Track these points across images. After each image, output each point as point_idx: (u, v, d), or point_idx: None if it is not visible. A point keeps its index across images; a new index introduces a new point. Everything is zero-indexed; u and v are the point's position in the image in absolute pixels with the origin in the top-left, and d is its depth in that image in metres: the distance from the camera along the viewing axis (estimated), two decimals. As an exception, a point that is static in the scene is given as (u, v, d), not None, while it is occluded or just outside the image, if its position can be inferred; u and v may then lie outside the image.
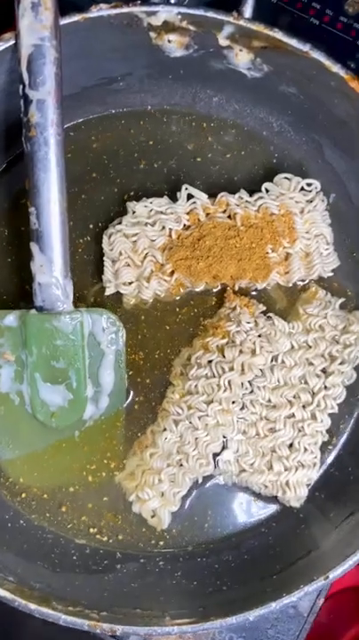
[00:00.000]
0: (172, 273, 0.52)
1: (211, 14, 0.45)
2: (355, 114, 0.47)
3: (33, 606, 0.42)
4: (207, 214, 0.52)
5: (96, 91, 0.52)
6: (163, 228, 0.52)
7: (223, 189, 0.53)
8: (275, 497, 0.53)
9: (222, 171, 0.55)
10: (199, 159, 0.55)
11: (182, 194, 0.52)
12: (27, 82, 0.43)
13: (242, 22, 0.44)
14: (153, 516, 0.52)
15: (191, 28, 0.46)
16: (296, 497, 0.52)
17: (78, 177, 0.53)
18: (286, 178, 0.53)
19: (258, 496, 0.53)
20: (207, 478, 0.53)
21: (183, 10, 0.45)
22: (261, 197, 0.52)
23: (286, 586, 0.44)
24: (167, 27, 0.46)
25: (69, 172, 0.47)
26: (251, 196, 0.53)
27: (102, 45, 0.47)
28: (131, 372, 0.53)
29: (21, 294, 0.53)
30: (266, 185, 0.53)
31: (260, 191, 0.53)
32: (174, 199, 0.53)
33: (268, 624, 0.54)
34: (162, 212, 0.52)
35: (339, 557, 0.44)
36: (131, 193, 0.54)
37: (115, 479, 0.52)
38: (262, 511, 0.53)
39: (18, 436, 0.51)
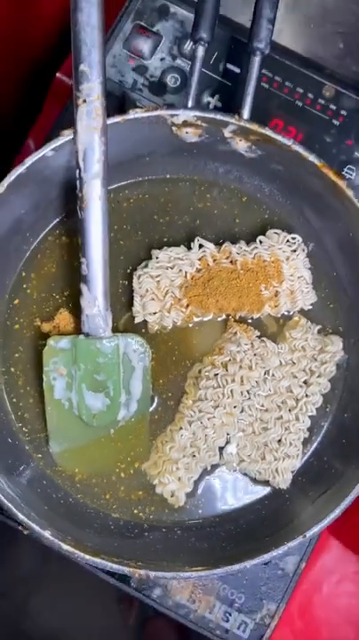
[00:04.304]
0: (188, 306, 0.58)
1: (218, 117, 0.52)
2: (325, 189, 0.54)
3: (88, 557, 0.49)
4: (214, 260, 0.58)
5: (126, 164, 0.59)
6: (181, 270, 0.58)
7: (225, 239, 0.59)
8: (267, 481, 0.58)
9: (225, 224, 0.61)
10: (206, 215, 0.61)
11: (195, 244, 0.59)
12: (82, 167, 0.50)
13: (241, 123, 0.52)
14: (172, 496, 0.57)
15: (203, 124, 0.53)
16: (283, 481, 0.57)
17: (111, 230, 0.55)
18: (275, 232, 0.59)
19: (254, 481, 0.59)
20: (214, 466, 0.58)
21: (198, 113, 0.52)
22: (256, 247, 0.58)
23: (275, 544, 0.51)
24: (185, 123, 0.53)
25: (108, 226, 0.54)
26: (248, 245, 0.58)
27: (135, 135, 0.54)
28: (154, 383, 0.58)
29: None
30: (259, 237, 0.59)
31: (256, 242, 0.58)
32: (189, 247, 0.59)
33: (262, 582, 0.60)
34: (179, 258, 0.58)
35: (313, 523, 0.51)
36: (154, 242, 0.60)
37: (141, 468, 0.58)
38: (257, 492, 0.59)
39: (67, 433, 0.57)
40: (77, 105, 0.51)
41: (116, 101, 0.67)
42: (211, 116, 0.53)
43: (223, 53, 0.66)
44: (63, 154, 0.53)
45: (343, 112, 0.64)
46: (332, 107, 0.64)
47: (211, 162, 0.60)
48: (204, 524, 0.58)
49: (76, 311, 0.56)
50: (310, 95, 0.65)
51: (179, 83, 0.67)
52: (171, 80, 0.66)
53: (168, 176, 0.62)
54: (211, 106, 0.64)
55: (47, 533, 0.50)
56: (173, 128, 0.54)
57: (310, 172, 0.54)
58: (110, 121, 0.51)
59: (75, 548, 0.49)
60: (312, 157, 0.52)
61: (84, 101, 0.51)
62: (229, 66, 0.65)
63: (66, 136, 0.52)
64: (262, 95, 0.64)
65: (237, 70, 0.65)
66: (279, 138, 0.52)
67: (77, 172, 0.51)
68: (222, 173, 0.61)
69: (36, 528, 0.50)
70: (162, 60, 0.65)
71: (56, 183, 0.57)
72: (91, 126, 0.50)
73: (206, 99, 0.67)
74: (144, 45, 0.67)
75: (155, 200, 0.61)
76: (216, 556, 0.53)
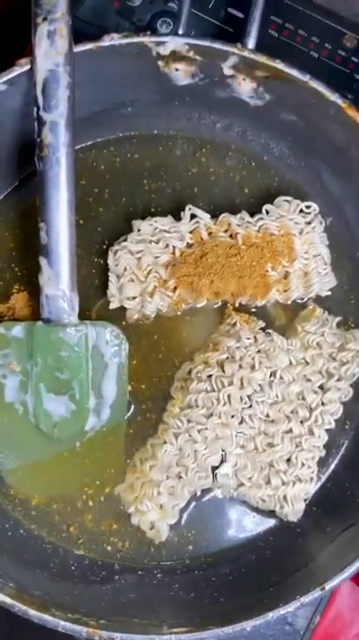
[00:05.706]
0: (175, 289, 0.53)
1: (216, 45, 0.46)
2: (351, 141, 0.48)
3: (32, 612, 0.42)
4: (209, 233, 0.53)
5: (105, 115, 0.54)
6: (167, 245, 0.53)
7: (225, 210, 0.54)
8: (273, 511, 0.53)
9: (224, 192, 0.56)
10: (202, 181, 0.56)
11: (186, 213, 0.53)
12: (41, 105, 0.44)
13: (246, 53, 0.46)
14: (151, 529, 0.52)
15: (197, 57, 0.47)
16: (293, 511, 0.52)
17: (86, 196, 0.55)
18: (286, 200, 0.54)
19: (255, 510, 0.54)
20: (205, 491, 0.53)
21: (190, 40, 0.46)
22: (262, 218, 0.53)
23: (283, 597, 0.44)
24: (175, 56, 0.48)
25: (78, 191, 0.49)
26: (251, 216, 0.54)
27: (112, 72, 0.49)
28: (132, 385, 0.53)
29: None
30: (266, 207, 0.54)
31: (261, 212, 0.54)
32: (178, 219, 0.54)
33: (265, 640, 0.54)
34: (166, 231, 0.53)
35: (335, 569, 0.45)
36: (137, 212, 0.55)
37: (114, 492, 0.53)
38: (260, 525, 0.54)
39: (20, 446, 0.52)
40: (36, 24, 0.45)
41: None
42: (208, 43, 0.47)
43: (224, -5, 0.61)
44: (19, 90, 0.47)
45: (367, 65, 0.59)
46: (354, 59, 0.59)
47: (208, 114, 0.55)
48: (192, 566, 0.53)
49: (36, 291, 0.50)
50: (328, 45, 0.59)
51: (171, 28, 0.61)
52: (163, 25, 0.59)
53: (156, 132, 0.56)
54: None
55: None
56: (160, 63, 0.49)
57: (331, 119, 0.48)
58: (79, 48, 0.46)
59: (16, 599, 0.43)
60: (334, 97, 0.47)
61: (45, 19, 0.45)
62: (231, 10, 0.60)
63: (23, 66, 0.46)
64: (271, 44, 0.60)
65: (241, 15, 0.59)
66: (294, 72, 0.46)
67: (35, 110, 0.46)
68: (221, 129, 0.56)
69: None
70: (152, 2, 0.60)
71: (13, 131, 0.50)
72: (53, 51, 0.45)
73: (204, 46, 0.59)
74: (131, -15, 0.61)
75: (140, 162, 0.56)
76: (205, 610, 0.48)
